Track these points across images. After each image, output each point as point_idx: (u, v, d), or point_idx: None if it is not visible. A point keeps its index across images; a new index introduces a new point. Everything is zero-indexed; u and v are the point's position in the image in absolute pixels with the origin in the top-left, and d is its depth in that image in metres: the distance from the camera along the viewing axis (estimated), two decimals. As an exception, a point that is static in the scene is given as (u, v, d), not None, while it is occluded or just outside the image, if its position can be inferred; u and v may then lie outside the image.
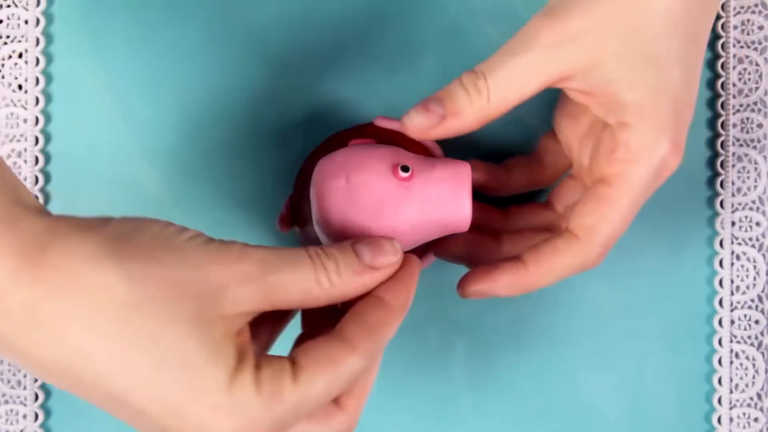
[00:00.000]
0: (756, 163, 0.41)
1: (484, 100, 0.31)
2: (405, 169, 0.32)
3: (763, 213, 0.41)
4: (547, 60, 0.30)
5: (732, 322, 0.41)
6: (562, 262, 0.32)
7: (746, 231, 0.41)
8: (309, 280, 0.27)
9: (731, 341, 0.41)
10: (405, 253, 0.30)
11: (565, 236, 0.32)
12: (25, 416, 0.40)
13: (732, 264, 0.41)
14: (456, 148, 0.40)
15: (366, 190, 0.32)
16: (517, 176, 0.37)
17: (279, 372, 0.26)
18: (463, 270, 0.41)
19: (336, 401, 0.28)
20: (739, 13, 0.40)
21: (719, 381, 0.41)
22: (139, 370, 0.24)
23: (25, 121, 0.40)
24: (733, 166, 0.41)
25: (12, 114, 0.40)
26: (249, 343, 0.26)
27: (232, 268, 0.26)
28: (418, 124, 0.31)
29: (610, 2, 0.30)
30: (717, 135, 0.41)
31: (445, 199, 0.32)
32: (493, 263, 0.33)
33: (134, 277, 0.24)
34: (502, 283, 0.33)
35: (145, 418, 0.25)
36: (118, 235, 0.25)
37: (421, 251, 0.37)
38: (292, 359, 0.26)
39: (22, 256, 0.24)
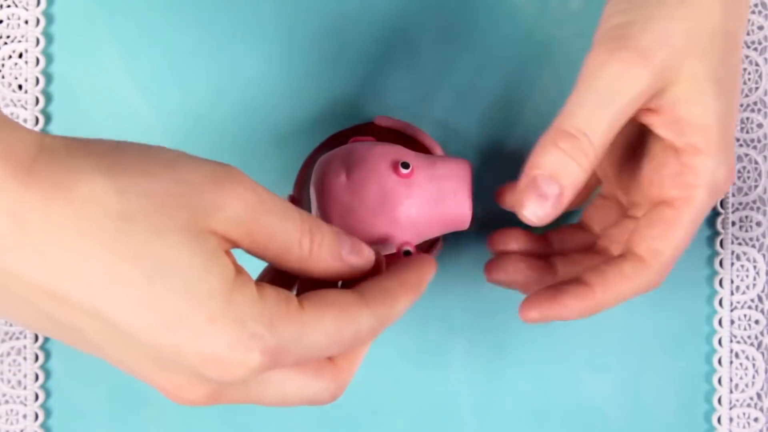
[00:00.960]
0: (756, 163, 0.41)
1: (592, 159, 0.30)
2: (405, 165, 0.32)
3: (763, 213, 0.41)
4: (638, 97, 0.30)
5: (732, 322, 0.41)
6: (630, 286, 0.32)
7: (746, 231, 0.41)
8: (293, 238, 0.26)
9: (731, 341, 0.41)
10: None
11: (631, 260, 0.32)
12: (25, 416, 0.40)
13: (732, 264, 0.41)
14: (456, 147, 0.40)
15: (366, 187, 0.32)
16: (566, 243, 0.38)
17: (285, 297, 0.25)
18: (470, 277, 0.41)
19: (329, 358, 0.28)
20: (739, 13, 0.40)
21: (719, 381, 0.41)
22: (131, 280, 0.23)
23: (25, 121, 0.40)
24: (733, 166, 0.41)
25: (12, 114, 0.40)
26: (242, 268, 0.25)
27: (229, 191, 0.25)
28: (542, 215, 0.30)
29: (684, 24, 0.29)
30: (717, 135, 0.41)
31: (446, 196, 0.32)
32: (555, 287, 0.33)
33: (124, 189, 0.23)
34: (572, 308, 0.32)
35: (135, 342, 0.23)
36: (105, 150, 0.24)
37: (422, 249, 0.37)
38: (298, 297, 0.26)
39: (10, 161, 0.22)
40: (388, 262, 0.30)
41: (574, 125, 0.30)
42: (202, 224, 0.24)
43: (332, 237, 0.27)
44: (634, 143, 0.34)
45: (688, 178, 0.31)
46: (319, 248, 0.27)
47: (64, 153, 0.23)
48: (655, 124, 0.31)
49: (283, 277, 0.29)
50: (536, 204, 0.30)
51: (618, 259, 0.32)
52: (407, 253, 0.32)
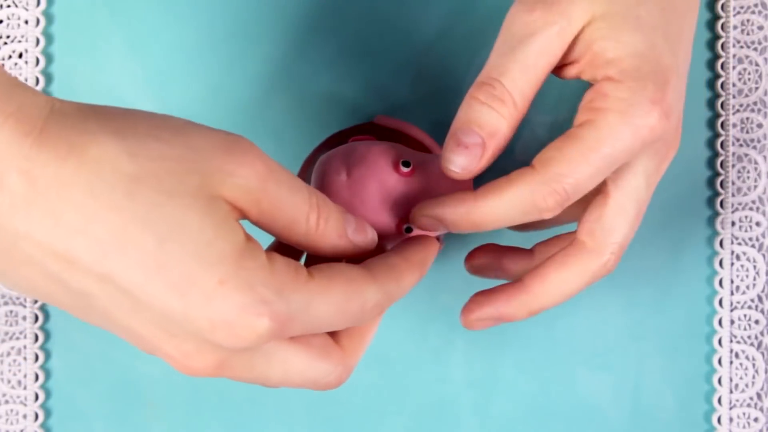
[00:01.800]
0: (756, 163, 0.41)
1: (511, 107, 0.29)
2: (406, 164, 0.32)
3: (763, 213, 0.41)
4: (548, 41, 0.29)
5: (732, 322, 0.41)
6: (570, 273, 0.31)
7: (746, 231, 0.41)
8: (301, 211, 0.26)
9: (731, 341, 0.41)
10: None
11: (575, 245, 0.32)
12: (25, 416, 0.40)
13: (732, 264, 0.41)
14: (456, 148, 0.40)
15: (367, 185, 0.32)
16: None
17: (294, 265, 0.25)
18: (467, 276, 0.41)
19: (335, 339, 0.28)
20: (739, 13, 0.40)
21: (719, 381, 0.41)
22: (142, 243, 0.22)
23: (25, 121, 0.40)
24: (733, 166, 0.41)
25: (12, 114, 0.40)
26: (251, 236, 0.25)
27: (239, 159, 0.25)
28: (464, 165, 0.30)
29: None
30: (717, 135, 0.41)
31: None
32: (494, 288, 0.33)
33: (136, 152, 0.23)
34: (510, 308, 0.32)
35: (144, 307, 0.23)
36: (116, 115, 0.24)
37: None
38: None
39: (22, 122, 0.22)
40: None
41: (487, 74, 0.30)
42: (213, 190, 0.24)
43: (338, 215, 0.28)
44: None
45: (596, 103, 0.29)
46: (325, 224, 0.27)
47: (75, 116, 0.23)
48: (581, 72, 0.30)
49: (290, 251, 0.29)
50: (457, 153, 0.30)
51: (556, 255, 0.32)
52: (408, 230, 0.32)
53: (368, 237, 0.29)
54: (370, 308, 0.26)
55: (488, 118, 0.29)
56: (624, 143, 0.29)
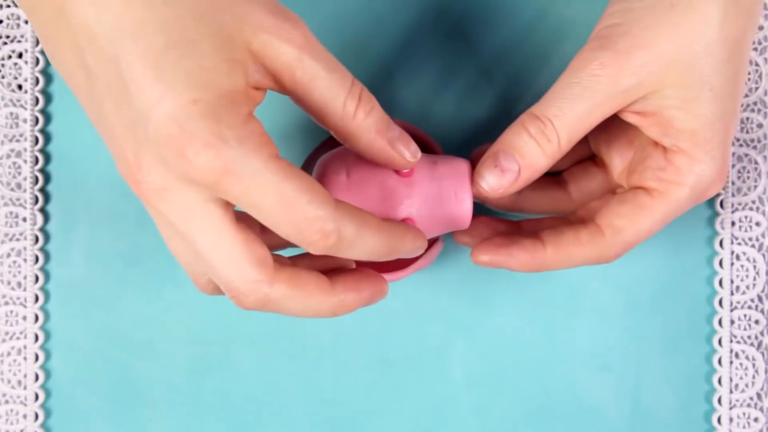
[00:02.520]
0: (756, 163, 0.41)
1: (555, 147, 0.31)
2: None
3: (763, 213, 0.41)
4: (612, 96, 0.30)
5: (732, 322, 0.41)
6: (582, 252, 0.32)
7: (746, 231, 0.41)
8: (337, 96, 0.27)
9: (731, 341, 0.41)
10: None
11: (591, 229, 0.32)
12: (25, 416, 0.40)
13: (732, 264, 0.41)
14: (456, 147, 0.40)
15: (367, 186, 0.32)
16: (539, 200, 0.37)
17: (270, 146, 0.26)
18: (467, 276, 0.41)
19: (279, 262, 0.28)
20: (739, 13, 0.40)
21: (719, 381, 0.41)
22: (153, 42, 0.24)
23: (24, 120, 0.40)
24: (733, 166, 0.41)
25: (11, 114, 0.40)
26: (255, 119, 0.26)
27: (280, 23, 0.26)
28: (494, 186, 0.31)
29: (672, 30, 0.29)
30: (717, 135, 0.41)
31: (446, 197, 0.32)
32: (511, 237, 0.33)
33: None
34: (519, 259, 0.33)
35: (128, 102, 0.25)
36: None
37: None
38: None
39: None
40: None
41: (542, 110, 0.31)
42: (240, 36, 0.25)
43: (383, 114, 0.28)
44: (628, 129, 0.34)
45: (669, 175, 0.31)
46: (365, 116, 0.28)
47: None
48: (643, 125, 0.31)
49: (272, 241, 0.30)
50: (492, 174, 0.31)
51: (578, 224, 0.33)
52: None
53: (411, 150, 0.29)
54: (314, 226, 0.26)
55: (531, 151, 0.31)
56: (688, 208, 0.32)
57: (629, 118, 0.31)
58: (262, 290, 0.27)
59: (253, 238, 0.27)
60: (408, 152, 0.30)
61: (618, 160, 0.35)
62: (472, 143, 0.40)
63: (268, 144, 0.25)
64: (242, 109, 0.25)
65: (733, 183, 0.41)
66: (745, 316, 0.41)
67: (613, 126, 0.35)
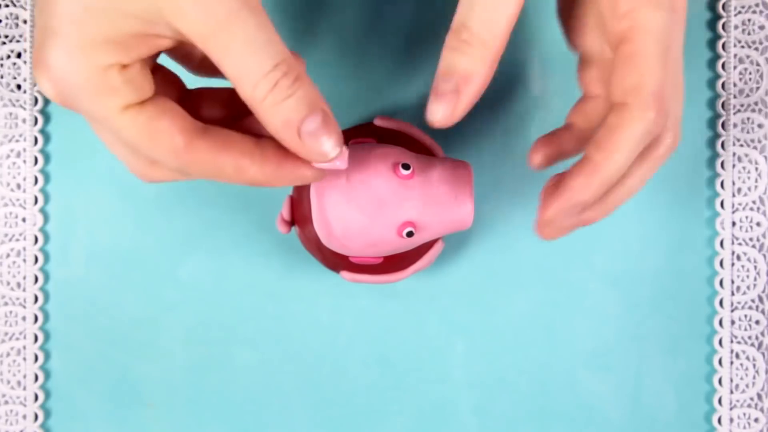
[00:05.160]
0: (756, 163, 0.40)
1: (480, 47, 0.29)
2: (406, 166, 0.32)
3: (764, 213, 0.41)
4: None
5: (732, 322, 0.41)
6: (622, 135, 0.29)
7: (746, 231, 0.41)
8: (248, 76, 0.26)
9: (732, 342, 0.41)
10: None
11: (615, 110, 0.29)
12: (24, 416, 0.40)
13: (732, 264, 0.41)
14: (457, 149, 0.40)
15: (366, 189, 0.32)
16: (567, 145, 0.34)
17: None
18: (467, 276, 0.41)
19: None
20: (739, 13, 0.40)
21: (719, 381, 0.41)
22: None
23: (24, 120, 0.40)
24: (734, 166, 0.40)
25: (11, 114, 0.40)
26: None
27: None
28: (444, 115, 0.29)
29: None
30: (717, 135, 0.41)
31: (447, 199, 0.32)
32: (560, 173, 0.30)
33: None
34: (576, 185, 0.29)
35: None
36: None
37: (422, 249, 0.37)
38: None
39: None
40: None
41: (454, 21, 0.29)
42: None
43: (302, 104, 0.27)
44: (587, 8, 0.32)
45: (623, 6, 0.29)
46: (275, 104, 0.26)
47: None
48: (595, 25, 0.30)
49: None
50: (437, 105, 0.29)
51: (605, 119, 0.30)
52: (410, 234, 0.32)
53: (326, 146, 0.27)
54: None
55: (459, 63, 0.29)
56: (672, 29, 0.29)
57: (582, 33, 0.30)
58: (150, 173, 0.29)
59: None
60: (314, 149, 0.27)
61: (595, 42, 0.33)
62: (472, 144, 0.40)
63: (121, 93, 0.26)
64: (107, 58, 0.25)
65: (733, 183, 0.41)
66: (745, 316, 0.41)
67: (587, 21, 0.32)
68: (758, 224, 0.41)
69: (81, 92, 0.26)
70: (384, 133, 0.37)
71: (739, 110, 0.40)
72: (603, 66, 0.33)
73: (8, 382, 0.40)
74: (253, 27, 0.26)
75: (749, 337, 0.41)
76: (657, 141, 0.31)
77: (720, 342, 0.41)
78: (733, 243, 0.41)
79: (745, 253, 0.41)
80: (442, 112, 0.29)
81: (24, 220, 0.40)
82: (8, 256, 0.40)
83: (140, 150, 0.27)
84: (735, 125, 0.40)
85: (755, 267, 0.41)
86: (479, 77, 0.29)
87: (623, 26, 0.29)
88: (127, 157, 0.29)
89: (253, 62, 0.26)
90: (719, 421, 0.41)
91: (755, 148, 0.40)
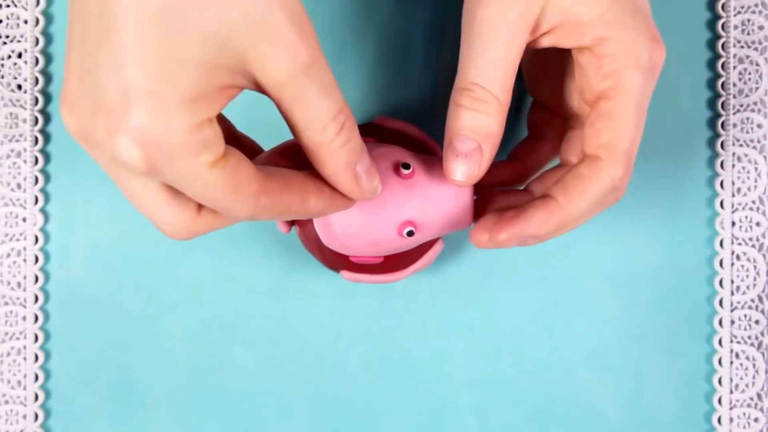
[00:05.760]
0: (756, 163, 0.40)
1: (495, 104, 0.30)
2: (406, 166, 0.32)
3: (763, 213, 0.41)
4: (512, 30, 0.29)
5: (732, 322, 0.41)
6: (590, 187, 0.30)
7: (746, 231, 0.41)
8: (320, 120, 0.26)
9: (731, 341, 0.41)
10: None
11: (587, 161, 0.31)
12: (25, 416, 0.40)
13: (732, 264, 0.41)
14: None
15: None
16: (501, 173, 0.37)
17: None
18: (467, 276, 0.41)
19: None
20: (739, 13, 0.40)
21: (719, 381, 0.41)
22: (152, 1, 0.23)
23: (24, 120, 0.40)
24: (733, 166, 0.41)
25: (11, 114, 0.40)
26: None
27: (291, 36, 0.25)
28: (468, 173, 0.30)
29: None
30: (717, 135, 0.41)
31: (447, 198, 0.32)
32: (521, 207, 0.32)
33: None
34: (537, 219, 0.31)
35: (96, 55, 0.24)
36: None
37: (422, 249, 0.37)
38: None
39: None
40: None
41: (463, 79, 0.30)
42: (240, 39, 0.24)
43: (359, 147, 0.28)
44: (571, 65, 0.33)
45: (607, 67, 0.30)
46: (341, 146, 0.27)
47: None
48: (560, 40, 0.31)
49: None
50: (458, 163, 0.30)
51: (575, 165, 0.32)
52: (410, 234, 0.32)
53: (372, 185, 0.29)
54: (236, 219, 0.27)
55: (478, 122, 0.30)
56: (649, 87, 0.30)
57: (545, 42, 0.31)
58: (183, 235, 0.28)
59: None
60: (368, 187, 0.29)
61: (574, 96, 0.34)
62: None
63: (210, 149, 0.25)
64: (200, 114, 0.24)
65: (733, 183, 0.41)
66: (745, 316, 0.41)
67: (553, 70, 0.34)
68: (758, 224, 0.41)
69: (178, 153, 0.24)
70: (384, 133, 0.37)
71: (738, 110, 0.40)
72: (564, 113, 0.35)
73: (8, 381, 0.40)
74: (325, 72, 0.26)
75: (749, 337, 0.41)
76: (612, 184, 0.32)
77: (720, 342, 0.41)
78: (732, 243, 0.41)
79: (744, 253, 0.41)
80: (467, 172, 0.31)
81: (24, 220, 0.40)
82: (8, 256, 0.40)
83: (219, 203, 0.26)
84: (734, 125, 0.40)
85: (755, 267, 0.41)
86: (498, 133, 0.30)
87: (606, 85, 0.30)
88: (168, 216, 0.27)
89: (324, 106, 0.26)
90: (719, 420, 0.41)
91: (755, 148, 0.40)
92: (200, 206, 0.28)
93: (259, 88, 0.26)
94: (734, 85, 0.40)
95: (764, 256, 0.41)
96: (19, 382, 0.40)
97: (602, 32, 0.30)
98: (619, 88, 0.30)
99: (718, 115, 0.40)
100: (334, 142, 0.27)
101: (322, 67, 0.26)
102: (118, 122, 0.24)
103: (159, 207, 0.27)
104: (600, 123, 0.31)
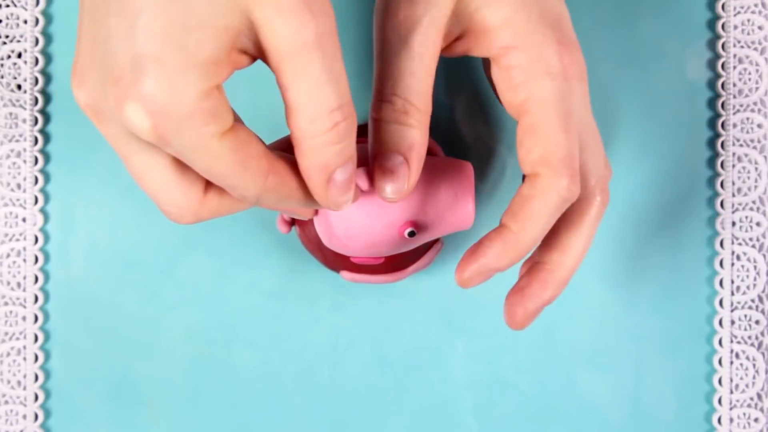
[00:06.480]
0: (756, 163, 0.40)
1: (415, 113, 0.29)
2: None
3: (764, 213, 0.41)
4: (424, 36, 0.28)
5: (732, 322, 0.41)
6: (537, 206, 0.29)
7: (746, 231, 0.41)
8: (311, 110, 0.25)
9: (731, 341, 0.41)
10: None
11: (528, 181, 0.30)
12: (25, 416, 0.40)
13: (732, 264, 0.41)
14: (457, 149, 0.40)
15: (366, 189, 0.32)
16: None
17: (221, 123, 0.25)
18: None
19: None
20: (739, 13, 0.40)
21: (719, 381, 0.41)
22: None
23: (24, 120, 0.40)
24: (733, 166, 0.41)
25: (11, 114, 0.40)
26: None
27: (300, 5, 0.24)
28: (398, 189, 0.29)
29: None
30: (717, 135, 0.41)
31: (448, 199, 0.32)
32: (479, 241, 0.31)
33: None
34: (493, 251, 0.30)
35: (105, 27, 0.23)
36: None
37: (422, 249, 0.37)
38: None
39: None
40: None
41: (380, 92, 0.29)
42: (245, 10, 0.24)
43: (345, 157, 0.26)
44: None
45: (516, 78, 0.29)
46: (323, 146, 0.26)
47: None
48: (469, 49, 0.30)
49: None
50: (387, 181, 0.29)
51: (519, 188, 0.30)
52: (411, 234, 0.32)
53: (341, 200, 0.27)
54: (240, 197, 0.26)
55: (400, 135, 0.29)
56: (571, 91, 0.29)
57: (458, 49, 0.30)
58: (188, 218, 0.27)
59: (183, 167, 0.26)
60: (336, 199, 0.27)
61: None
62: (473, 144, 0.40)
63: (219, 118, 0.24)
64: (208, 81, 0.24)
65: (733, 183, 0.41)
66: (745, 316, 0.41)
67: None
68: (758, 224, 0.41)
69: (186, 121, 0.23)
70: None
71: (738, 110, 0.40)
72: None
73: (8, 382, 0.40)
74: (331, 58, 0.25)
75: (749, 337, 0.41)
76: (586, 204, 0.31)
77: (720, 342, 0.41)
78: (732, 243, 0.41)
79: (744, 253, 0.41)
80: (396, 189, 0.29)
81: (24, 220, 0.40)
82: (8, 256, 0.40)
83: (228, 179, 0.25)
84: (735, 125, 0.40)
85: (755, 267, 0.41)
86: (423, 143, 0.29)
87: (520, 98, 0.29)
88: (174, 195, 0.27)
89: (320, 95, 0.25)
90: (719, 421, 0.41)
91: (755, 148, 0.40)
92: (206, 189, 0.27)
93: (263, 56, 0.25)
94: (734, 85, 0.40)
95: (764, 256, 0.41)
96: (19, 382, 0.40)
97: (507, 41, 0.29)
98: (534, 99, 0.29)
99: (718, 115, 0.40)
100: (318, 138, 0.25)
101: (330, 54, 0.25)
102: (126, 90, 0.23)
103: (165, 186, 0.26)
104: (527, 140, 0.29)
